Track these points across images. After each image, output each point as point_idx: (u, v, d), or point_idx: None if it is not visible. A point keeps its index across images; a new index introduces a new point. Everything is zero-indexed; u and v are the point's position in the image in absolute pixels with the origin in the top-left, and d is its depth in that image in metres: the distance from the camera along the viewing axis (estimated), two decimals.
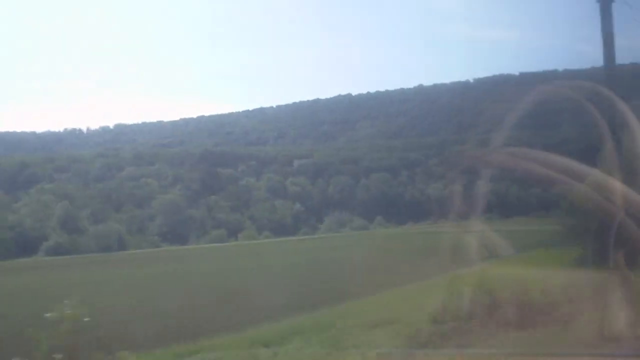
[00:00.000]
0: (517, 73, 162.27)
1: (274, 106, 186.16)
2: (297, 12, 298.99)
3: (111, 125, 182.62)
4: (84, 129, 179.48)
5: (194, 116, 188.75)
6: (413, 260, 31.17)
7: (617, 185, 10.68)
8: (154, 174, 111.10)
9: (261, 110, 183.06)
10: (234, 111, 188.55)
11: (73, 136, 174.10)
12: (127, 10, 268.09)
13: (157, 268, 44.56)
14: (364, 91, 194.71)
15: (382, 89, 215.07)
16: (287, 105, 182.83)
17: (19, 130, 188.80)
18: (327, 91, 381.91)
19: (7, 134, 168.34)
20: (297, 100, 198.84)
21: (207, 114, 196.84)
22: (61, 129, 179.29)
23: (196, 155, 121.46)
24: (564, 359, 10.70)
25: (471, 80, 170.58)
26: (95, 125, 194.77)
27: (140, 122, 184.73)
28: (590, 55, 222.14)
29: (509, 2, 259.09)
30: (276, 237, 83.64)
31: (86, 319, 10.29)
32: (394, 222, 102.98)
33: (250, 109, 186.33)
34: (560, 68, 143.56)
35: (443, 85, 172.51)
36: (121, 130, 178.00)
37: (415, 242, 44.91)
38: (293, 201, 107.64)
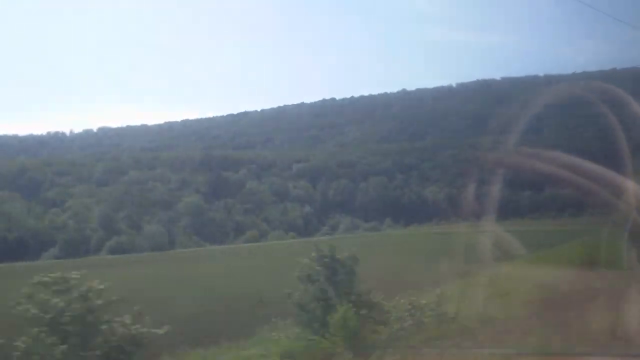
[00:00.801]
0: (499, 78, 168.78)
1: (259, 110, 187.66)
2: (279, 15, 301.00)
3: (95, 129, 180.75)
4: (67, 132, 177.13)
5: (179, 120, 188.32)
6: (452, 258, 33.25)
7: (630, 185, 10.46)
8: (158, 177, 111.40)
9: (246, 114, 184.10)
10: (219, 115, 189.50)
11: (56, 139, 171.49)
12: (111, 15, 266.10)
13: (250, 261, 46.68)
14: (348, 95, 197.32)
15: (365, 93, 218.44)
16: (271, 109, 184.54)
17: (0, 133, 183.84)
18: (311, 95, 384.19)
19: None
20: (281, 104, 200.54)
21: (191, 117, 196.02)
22: (44, 133, 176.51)
23: (196, 159, 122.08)
24: (566, 359, 10.55)
25: (454, 85, 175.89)
26: (78, 129, 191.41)
27: (124, 125, 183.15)
28: (571, 61, 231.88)
29: (492, 8, 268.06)
30: (300, 238, 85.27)
31: None
32: (400, 224, 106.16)
33: (235, 112, 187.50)
34: (542, 73, 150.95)
35: (426, 89, 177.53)
36: (105, 134, 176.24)
37: (440, 243, 46.09)
38: (301, 204, 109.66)
